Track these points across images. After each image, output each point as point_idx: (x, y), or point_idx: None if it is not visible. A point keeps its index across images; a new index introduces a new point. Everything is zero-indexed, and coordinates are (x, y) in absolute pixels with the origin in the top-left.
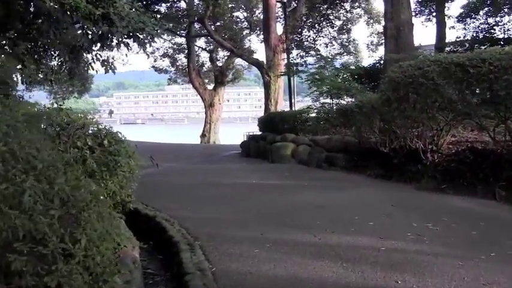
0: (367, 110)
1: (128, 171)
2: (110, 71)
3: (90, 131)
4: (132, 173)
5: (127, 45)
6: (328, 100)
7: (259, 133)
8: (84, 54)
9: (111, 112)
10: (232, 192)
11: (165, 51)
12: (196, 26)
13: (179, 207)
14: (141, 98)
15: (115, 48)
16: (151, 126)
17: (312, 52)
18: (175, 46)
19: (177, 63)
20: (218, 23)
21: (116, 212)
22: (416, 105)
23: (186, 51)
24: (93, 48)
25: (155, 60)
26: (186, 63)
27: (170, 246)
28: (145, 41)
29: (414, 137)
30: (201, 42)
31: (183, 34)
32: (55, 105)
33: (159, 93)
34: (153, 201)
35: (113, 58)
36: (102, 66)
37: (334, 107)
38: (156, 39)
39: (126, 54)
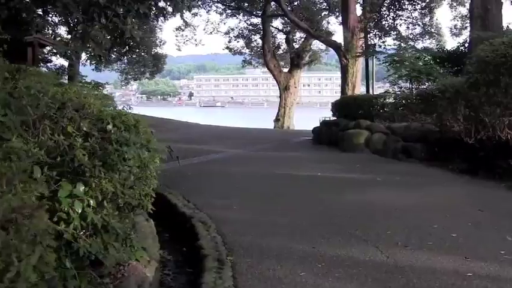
0: (450, 95)
1: (138, 165)
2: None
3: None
4: (146, 168)
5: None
6: (407, 84)
7: (333, 118)
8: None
9: (191, 94)
10: (293, 187)
11: (240, 31)
12: (273, 5)
13: (226, 204)
14: (221, 81)
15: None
16: (230, 109)
17: (392, 33)
18: (250, 26)
19: (252, 45)
20: (295, 3)
21: (115, 218)
22: (509, 89)
23: (261, 32)
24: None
25: (229, 41)
26: (261, 45)
27: (198, 260)
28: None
29: (505, 127)
30: (277, 23)
31: (259, 14)
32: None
33: (240, 76)
34: (200, 195)
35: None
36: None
37: (414, 92)
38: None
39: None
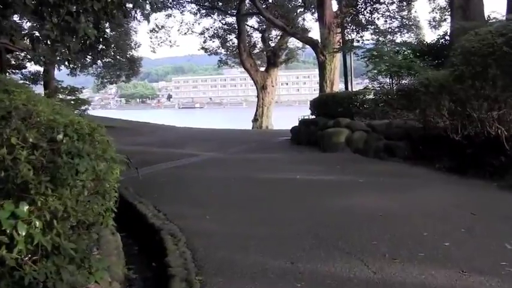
0: (434, 89)
1: (93, 178)
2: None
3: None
4: (103, 181)
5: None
6: (387, 80)
7: (312, 117)
8: None
9: (169, 97)
10: (270, 193)
11: (215, 31)
12: (247, 4)
13: (199, 213)
14: (200, 82)
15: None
16: (209, 110)
17: (369, 27)
18: (225, 26)
19: (228, 44)
20: (270, 0)
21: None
22: (498, 81)
23: (237, 31)
24: None
25: (205, 41)
26: (237, 44)
27: (166, 280)
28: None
29: (494, 122)
30: (252, 21)
31: (234, 13)
32: None
33: (218, 76)
34: (172, 203)
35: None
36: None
37: (394, 87)
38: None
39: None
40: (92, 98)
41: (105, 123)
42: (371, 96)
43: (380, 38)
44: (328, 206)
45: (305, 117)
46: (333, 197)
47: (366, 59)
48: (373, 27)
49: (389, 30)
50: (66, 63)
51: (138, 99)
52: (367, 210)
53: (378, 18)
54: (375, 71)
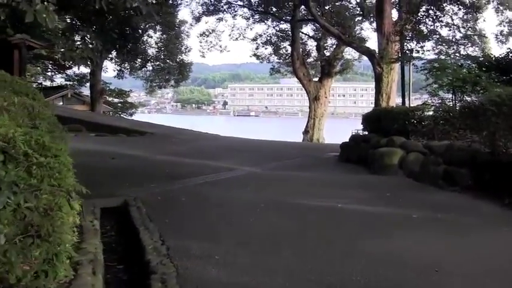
0: (508, 110)
1: (22, 217)
2: None
3: None
4: (45, 219)
5: None
6: (449, 95)
7: (365, 133)
8: None
9: (225, 103)
10: (302, 226)
11: (268, 38)
12: (302, 10)
13: (209, 251)
14: (256, 90)
15: None
16: (264, 119)
17: (431, 37)
18: (279, 33)
19: (281, 52)
20: (326, 7)
21: None
22: None
23: (291, 38)
24: None
25: (257, 48)
26: (290, 52)
27: None
28: None
29: None
30: (307, 29)
31: (288, 19)
32: None
33: (274, 85)
34: (181, 232)
35: None
36: None
37: (458, 104)
38: None
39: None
40: (148, 101)
41: (144, 129)
42: (430, 113)
43: (443, 48)
44: (370, 250)
45: (357, 132)
46: (378, 237)
47: (426, 72)
48: (435, 36)
49: (454, 40)
50: (89, 62)
51: (193, 105)
52: (420, 260)
53: (441, 27)
54: (436, 85)
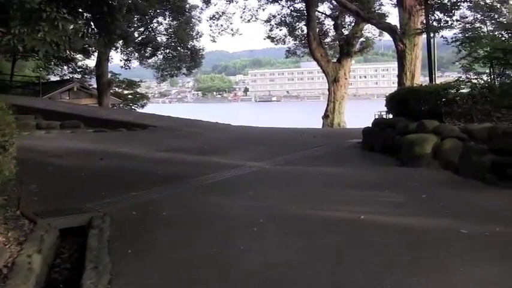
0: None
1: None
2: None
3: None
4: None
5: None
6: (486, 70)
7: (389, 116)
8: None
9: (246, 90)
10: (309, 257)
11: (283, 18)
12: None
13: None
14: (277, 75)
15: None
16: (286, 104)
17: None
18: (293, 13)
19: (296, 33)
20: None
21: None
22: None
23: (306, 18)
24: None
25: (271, 30)
26: (306, 32)
27: None
28: None
29: None
30: (323, 7)
31: None
32: None
33: (295, 70)
34: (145, 275)
35: None
36: None
37: (498, 80)
38: None
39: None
40: (169, 91)
41: (146, 123)
42: (466, 91)
43: (478, 15)
44: None
45: (381, 114)
46: (414, 273)
47: (458, 43)
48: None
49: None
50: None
51: (214, 93)
52: None
53: None
54: (470, 58)
